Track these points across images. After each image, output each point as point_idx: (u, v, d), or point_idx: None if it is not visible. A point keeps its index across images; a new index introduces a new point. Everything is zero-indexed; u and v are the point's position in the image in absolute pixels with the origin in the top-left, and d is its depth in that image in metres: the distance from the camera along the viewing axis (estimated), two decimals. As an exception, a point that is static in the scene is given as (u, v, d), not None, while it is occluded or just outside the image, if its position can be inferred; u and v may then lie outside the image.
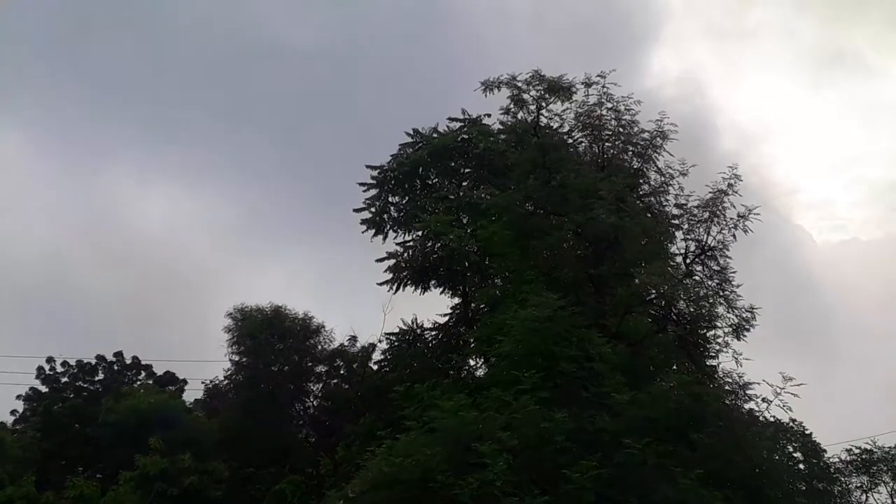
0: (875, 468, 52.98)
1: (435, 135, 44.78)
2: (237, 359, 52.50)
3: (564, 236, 34.90)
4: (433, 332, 44.00)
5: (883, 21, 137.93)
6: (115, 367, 69.75)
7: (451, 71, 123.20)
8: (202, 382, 59.65)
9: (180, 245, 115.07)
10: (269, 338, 51.82)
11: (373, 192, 45.02)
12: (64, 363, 68.43)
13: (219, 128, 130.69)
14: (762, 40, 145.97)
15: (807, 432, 49.65)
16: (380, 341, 47.32)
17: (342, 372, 53.16)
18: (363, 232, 44.88)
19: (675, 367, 33.02)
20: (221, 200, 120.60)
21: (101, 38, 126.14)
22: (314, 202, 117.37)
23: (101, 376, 69.01)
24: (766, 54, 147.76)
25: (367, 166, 45.14)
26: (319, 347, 53.57)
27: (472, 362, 39.33)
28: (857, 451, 53.46)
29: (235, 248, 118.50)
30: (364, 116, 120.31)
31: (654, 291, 34.19)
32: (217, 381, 55.95)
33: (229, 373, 53.67)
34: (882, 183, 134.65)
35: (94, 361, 69.01)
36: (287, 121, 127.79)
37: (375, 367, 48.45)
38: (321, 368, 53.56)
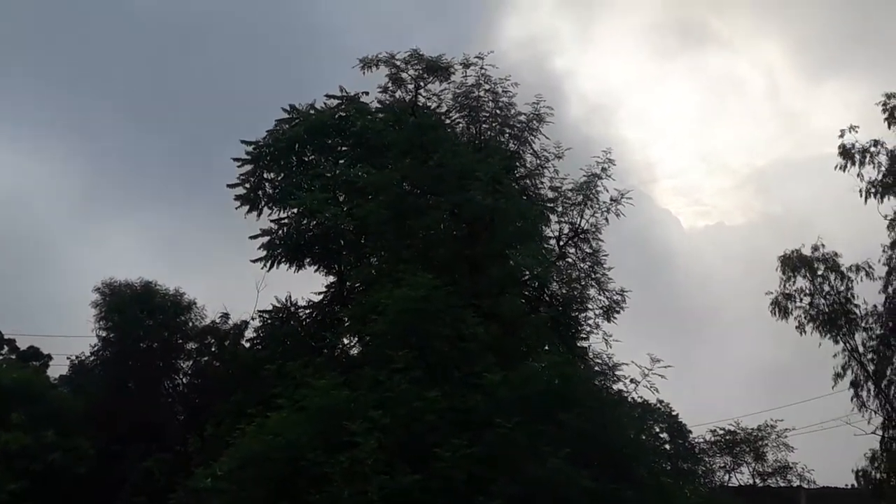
0: (738, 449, 54.66)
1: (312, 111, 44.26)
2: (105, 335, 51.45)
3: (440, 216, 35.01)
4: (307, 311, 43.57)
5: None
6: (-24, 342, 67.59)
7: (290, 34, 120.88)
8: (67, 358, 58.29)
9: (30, 211, 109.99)
10: (138, 314, 50.85)
11: (247, 167, 44.32)
12: (-80, 335, 65.87)
13: (69, 90, 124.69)
14: (612, 9, 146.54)
15: (673, 413, 51.09)
16: (252, 319, 46.80)
17: (213, 349, 52.42)
18: (237, 208, 44.22)
19: (546, 347, 33.42)
20: (71, 165, 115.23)
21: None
22: (182, 171, 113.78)
23: (-41, 350, 66.78)
24: (618, 25, 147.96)
25: (242, 141, 44.31)
26: (190, 324, 52.76)
27: (345, 341, 39.04)
28: (720, 432, 55.16)
29: (92, 215, 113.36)
30: (219, 82, 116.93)
31: (527, 273, 34.62)
32: (83, 358, 54.71)
33: (96, 349, 52.56)
34: (746, 171, 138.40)
35: (-47, 334, 66.73)
36: (141, 87, 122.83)
37: (248, 345, 47.84)
38: (192, 345, 52.78)
